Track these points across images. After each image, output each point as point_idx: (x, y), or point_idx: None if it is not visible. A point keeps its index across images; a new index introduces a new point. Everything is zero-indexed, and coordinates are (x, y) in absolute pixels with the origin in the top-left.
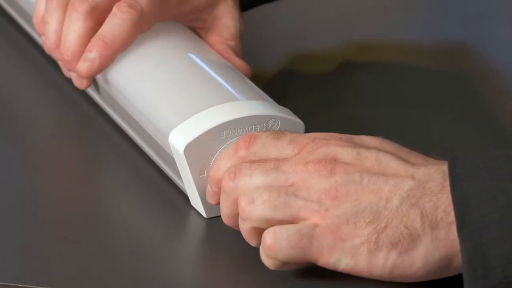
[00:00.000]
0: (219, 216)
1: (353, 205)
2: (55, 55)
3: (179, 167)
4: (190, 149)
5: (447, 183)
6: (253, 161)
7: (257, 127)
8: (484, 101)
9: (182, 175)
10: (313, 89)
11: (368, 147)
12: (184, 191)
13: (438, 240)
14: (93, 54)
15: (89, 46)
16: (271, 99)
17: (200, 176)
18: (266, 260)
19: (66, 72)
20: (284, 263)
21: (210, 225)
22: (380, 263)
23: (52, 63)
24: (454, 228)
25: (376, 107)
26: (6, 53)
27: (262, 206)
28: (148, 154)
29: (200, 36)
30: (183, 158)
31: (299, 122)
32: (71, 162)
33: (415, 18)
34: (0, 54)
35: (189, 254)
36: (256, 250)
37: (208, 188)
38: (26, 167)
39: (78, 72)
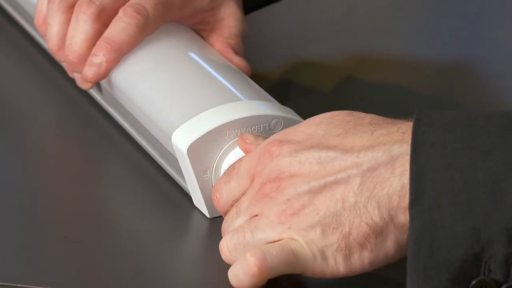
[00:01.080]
0: (222, 216)
1: (313, 215)
2: (58, 56)
3: (182, 167)
4: (193, 149)
5: (397, 165)
6: (227, 213)
7: (260, 127)
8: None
9: (185, 175)
10: (315, 90)
11: (310, 147)
12: (187, 191)
13: (401, 225)
14: (99, 58)
15: (95, 50)
16: (273, 99)
17: (203, 176)
18: (251, 280)
19: (70, 73)
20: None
21: (213, 225)
22: (358, 264)
23: (53, 63)
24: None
25: (377, 106)
26: (6, 53)
27: (235, 250)
28: (151, 154)
29: (203, 38)
30: (186, 158)
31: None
32: (73, 162)
33: (417, 18)
34: (0, 54)
35: (191, 254)
36: None
37: None
38: (26, 167)
39: (84, 77)
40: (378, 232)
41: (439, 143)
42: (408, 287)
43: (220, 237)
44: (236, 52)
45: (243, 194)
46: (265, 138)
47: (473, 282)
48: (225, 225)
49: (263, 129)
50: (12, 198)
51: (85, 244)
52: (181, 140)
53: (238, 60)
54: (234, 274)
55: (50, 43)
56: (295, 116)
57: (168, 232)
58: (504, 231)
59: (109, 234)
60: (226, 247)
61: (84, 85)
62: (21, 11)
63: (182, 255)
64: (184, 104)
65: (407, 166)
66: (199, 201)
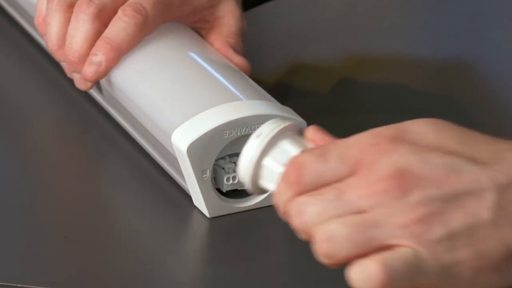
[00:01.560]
0: (222, 216)
1: (443, 227)
2: (57, 56)
3: (181, 167)
4: (193, 148)
5: None
6: (311, 194)
7: (260, 126)
8: (485, 110)
9: (185, 175)
10: (315, 90)
11: (431, 149)
12: (187, 191)
13: None
14: (99, 57)
15: (94, 49)
16: (273, 99)
17: (203, 176)
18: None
19: (68, 73)
20: None
21: (213, 224)
22: (484, 286)
23: (54, 63)
24: None
25: (377, 106)
26: (6, 53)
27: (344, 244)
28: (151, 154)
29: (202, 37)
30: (186, 157)
31: (301, 122)
32: (73, 162)
33: (416, 17)
34: (0, 54)
35: (191, 254)
36: (258, 250)
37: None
38: (26, 167)
39: (84, 76)
40: None
41: None
42: None
43: (221, 237)
44: (235, 50)
45: (334, 181)
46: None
47: None
48: (307, 207)
49: None
50: (12, 198)
51: (85, 244)
52: (181, 139)
53: (238, 59)
54: (356, 278)
55: (50, 42)
56: (295, 116)
57: (168, 232)
58: None
59: (109, 234)
60: (328, 238)
61: (83, 85)
62: (21, 11)
63: (182, 255)
64: (184, 104)
65: None
66: (199, 201)
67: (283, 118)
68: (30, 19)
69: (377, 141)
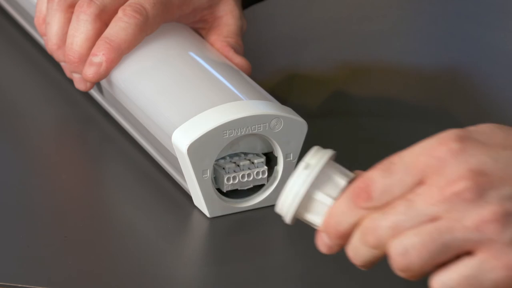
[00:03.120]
0: (222, 216)
1: None
2: (57, 56)
3: (182, 167)
4: (193, 148)
5: None
6: (381, 210)
7: (260, 126)
8: (483, 113)
9: (185, 175)
10: (315, 89)
11: (501, 148)
12: (187, 191)
13: None
14: (99, 57)
15: (94, 49)
16: (273, 99)
17: (203, 176)
18: None
19: (68, 73)
20: None
21: (213, 224)
22: None
23: (54, 63)
24: None
25: (378, 106)
26: (7, 53)
27: (419, 255)
28: (151, 154)
29: (202, 37)
30: (186, 158)
31: (302, 122)
32: (73, 162)
33: (420, 14)
34: (0, 54)
35: (191, 254)
36: (258, 250)
37: (324, 237)
38: (26, 167)
39: (84, 77)
40: None
41: None
42: None
43: (221, 237)
44: (236, 50)
45: (407, 192)
46: None
47: None
48: (376, 223)
49: (263, 129)
50: (12, 198)
51: (85, 244)
52: (181, 139)
53: (239, 60)
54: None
55: (50, 42)
56: (295, 116)
57: (168, 232)
58: None
59: (109, 234)
60: (404, 251)
61: (82, 86)
62: (21, 11)
63: (182, 255)
64: (184, 104)
65: None
66: (199, 201)
67: (323, 148)
68: (30, 19)
69: (443, 143)
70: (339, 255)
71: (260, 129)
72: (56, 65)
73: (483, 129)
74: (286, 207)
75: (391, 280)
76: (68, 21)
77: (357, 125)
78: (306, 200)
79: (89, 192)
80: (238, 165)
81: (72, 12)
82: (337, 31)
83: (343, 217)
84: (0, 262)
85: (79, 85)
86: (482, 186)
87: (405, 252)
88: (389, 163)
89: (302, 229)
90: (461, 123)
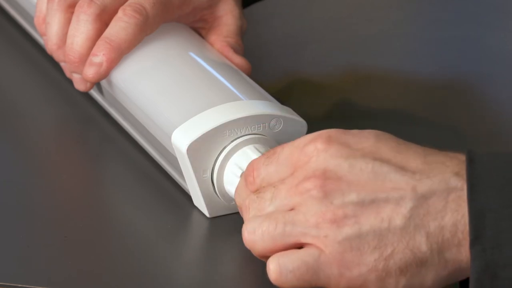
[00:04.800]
0: (222, 216)
1: (354, 229)
2: (57, 56)
3: (182, 167)
4: (193, 148)
5: (451, 198)
6: (258, 192)
7: (260, 126)
8: (485, 116)
9: (185, 175)
10: (314, 90)
11: (362, 154)
12: (187, 191)
13: (446, 261)
14: (99, 58)
15: (94, 50)
16: (273, 99)
17: (203, 176)
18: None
19: (68, 74)
20: None
21: (213, 224)
22: None
23: (54, 63)
24: (462, 249)
25: (378, 107)
26: (7, 53)
27: (262, 237)
28: (151, 153)
29: (202, 37)
30: (186, 157)
31: (301, 121)
32: (73, 162)
33: (420, 14)
34: (0, 54)
35: (191, 254)
36: None
37: None
38: (26, 167)
39: (85, 77)
40: (422, 262)
41: (495, 184)
42: None
43: (221, 237)
44: (236, 50)
45: (280, 181)
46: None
47: None
48: (252, 204)
49: (262, 129)
50: (12, 198)
51: (85, 244)
52: (180, 139)
53: (238, 60)
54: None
55: (50, 42)
56: (295, 116)
57: (168, 232)
58: None
59: (109, 234)
60: (252, 230)
61: (82, 86)
62: (21, 11)
63: (181, 254)
64: (184, 104)
65: (460, 202)
66: (198, 201)
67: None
68: (30, 19)
69: (314, 141)
70: None
71: (260, 128)
72: (56, 65)
73: (360, 134)
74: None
75: None
76: (68, 21)
77: (356, 125)
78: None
79: (89, 192)
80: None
81: (72, 12)
82: (337, 31)
83: (240, 192)
84: (0, 262)
85: (79, 85)
86: (330, 187)
87: (252, 231)
88: (273, 152)
89: None
90: (461, 125)
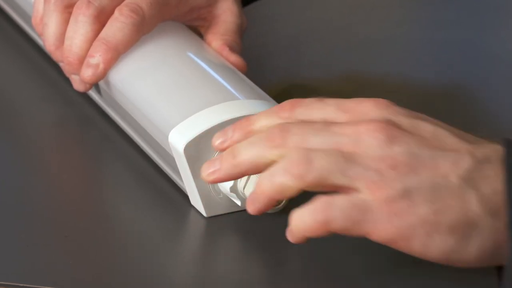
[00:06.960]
0: (219, 215)
1: (412, 178)
2: (55, 56)
3: (179, 166)
4: (190, 148)
5: (499, 169)
6: (301, 121)
7: None
8: (485, 116)
9: (182, 174)
10: (314, 90)
11: (423, 118)
12: (184, 190)
13: (496, 228)
14: (96, 59)
15: (91, 51)
16: (271, 98)
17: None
18: (310, 226)
19: (67, 73)
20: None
21: (210, 224)
22: (437, 247)
23: (53, 63)
24: None
25: None
26: (6, 53)
27: (321, 169)
28: (148, 153)
29: (200, 35)
30: (183, 157)
31: None
32: (72, 162)
33: (420, 14)
34: (0, 54)
35: (189, 254)
36: (255, 249)
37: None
38: (26, 167)
39: (82, 78)
40: (472, 222)
41: None
42: None
43: (218, 236)
44: (232, 48)
45: (324, 119)
46: None
47: None
48: (294, 129)
49: None
50: (12, 198)
51: (85, 244)
52: (178, 139)
53: (233, 58)
54: (299, 215)
55: (47, 43)
56: None
57: (165, 231)
58: None
59: (108, 234)
60: (305, 155)
61: (81, 87)
62: (20, 11)
63: (179, 254)
64: (181, 103)
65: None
66: (196, 200)
67: None
68: (28, 19)
69: (377, 102)
70: (339, 257)
71: None
72: (54, 65)
73: (421, 114)
74: None
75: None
76: (65, 21)
77: None
78: None
79: (88, 191)
80: None
81: (69, 13)
82: (337, 32)
83: (258, 119)
84: (0, 261)
85: (78, 86)
86: (395, 135)
87: (308, 161)
88: (323, 99)
89: None
90: (461, 126)
